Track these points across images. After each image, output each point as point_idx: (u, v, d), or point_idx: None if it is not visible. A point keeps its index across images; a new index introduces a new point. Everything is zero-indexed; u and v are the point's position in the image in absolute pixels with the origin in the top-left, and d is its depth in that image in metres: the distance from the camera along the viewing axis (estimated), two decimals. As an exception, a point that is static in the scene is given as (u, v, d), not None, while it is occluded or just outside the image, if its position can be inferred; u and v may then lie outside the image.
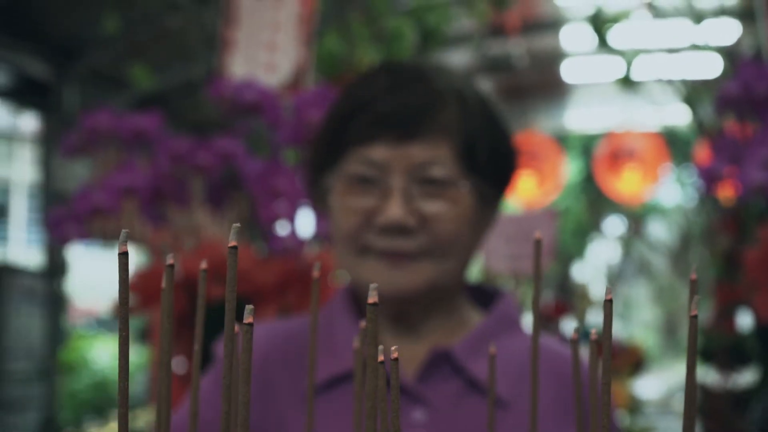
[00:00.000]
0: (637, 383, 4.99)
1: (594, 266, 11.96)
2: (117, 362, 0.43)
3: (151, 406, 2.70)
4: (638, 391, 5.09)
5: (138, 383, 5.53)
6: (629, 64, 2.66)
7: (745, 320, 2.17)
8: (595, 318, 5.34)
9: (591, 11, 2.65)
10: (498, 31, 5.28)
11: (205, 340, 0.65)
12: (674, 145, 7.43)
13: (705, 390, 2.23)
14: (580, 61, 6.63)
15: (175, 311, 1.57)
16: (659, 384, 8.19)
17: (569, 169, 8.68)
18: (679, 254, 10.58)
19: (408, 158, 1.04)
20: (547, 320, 4.34)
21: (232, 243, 0.39)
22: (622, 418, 4.22)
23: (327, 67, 2.74)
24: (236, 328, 0.45)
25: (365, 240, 1.05)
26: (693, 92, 2.45)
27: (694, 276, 0.48)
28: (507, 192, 1.15)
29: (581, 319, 4.72)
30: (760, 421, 1.88)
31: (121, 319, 0.41)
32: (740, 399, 2.17)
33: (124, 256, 0.39)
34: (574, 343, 0.58)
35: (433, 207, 1.04)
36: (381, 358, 0.39)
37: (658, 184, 6.77)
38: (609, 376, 0.46)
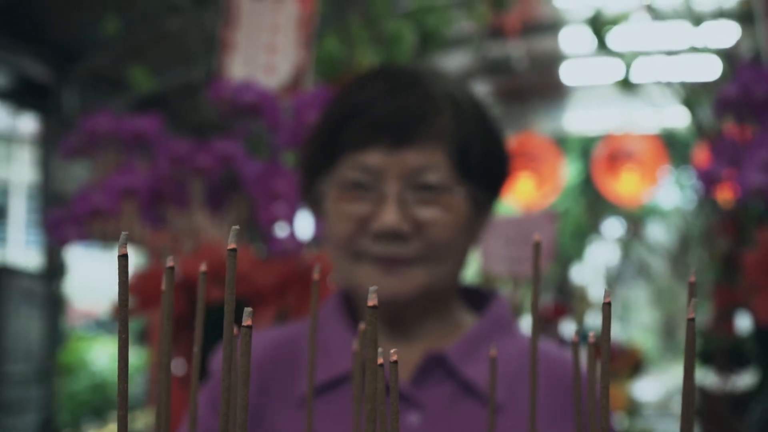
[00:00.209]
0: (636, 385, 4.99)
1: (593, 268, 11.95)
2: (116, 364, 0.43)
3: (150, 408, 2.70)
4: (637, 393, 5.09)
5: (137, 385, 5.53)
6: (628, 66, 2.66)
7: (743, 323, 2.17)
8: (594, 320, 5.34)
9: (590, 13, 2.65)
10: (497, 33, 5.28)
11: (205, 343, 0.65)
12: (673, 147, 7.43)
13: (703, 392, 2.23)
14: (579, 63, 6.63)
15: (173, 313, 1.56)
16: (658, 386, 8.18)
17: (568, 171, 8.68)
18: (678, 257, 10.58)
19: (403, 164, 1.04)
20: (546, 322, 4.35)
21: (232, 245, 0.39)
22: (621, 420, 4.22)
23: (326, 69, 2.74)
24: (235, 330, 0.45)
25: (360, 246, 1.05)
26: (692, 95, 2.46)
27: (692, 279, 0.49)
28: (500, 197, 1.15)
29: (580, 321, 4.72)
30: (758, 423, 1.88)
31: (120, 321, 0.41)
32: (739, 401, 2.17)
33: (123, 259, 0.39)
34: (575, 345, 0.58)
35: (427, 213, 1.04)
36: (380, 360, 0.39)
37: (656, 187, 6.77)
38: (608, 379, 0.46)
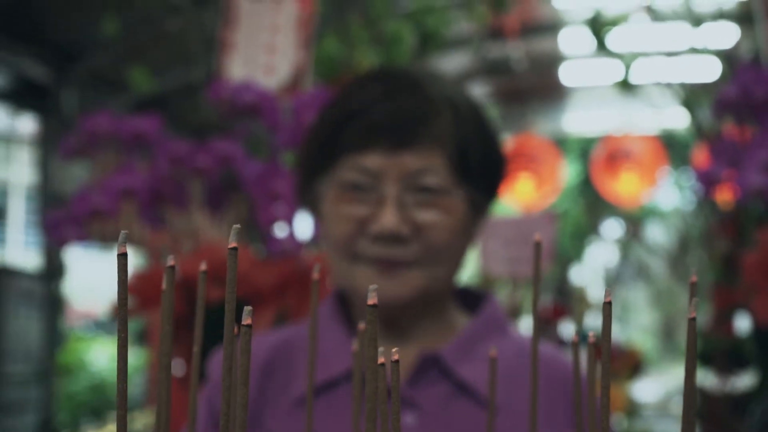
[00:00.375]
0: (636, 386, 4.99)
1: (592, 269, 11.96)
2: (115, 364, 0.42)
3: (149, 408, 2.70)
4: (636, 395, 5.09)
5: (136, 385, 5.52)
6: (628, 67, 2.66)
7: (743, 323, 2.17)
8: (593, 321, 5.35)
9: (590, 14, 2.65)
10: (497, 34, 5.28)
11: (204, 343, 0.65)
12: (673, 148, 7.43)
13: (703, 393, 2.23)
14: (578, 64, 6.63)
15: (173, 314, 1.56)
16: (657, 387, 8.19)
17: (567, 172, 8.68)
18: (678, 258, 10.57)
19: (402, 166, 1.04)
20: (545, 323, 4.35)
21: (233, 244, 0.39)
22: (620, 421, 4.23)
23: (326, 70, 2.74)
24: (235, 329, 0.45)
25: (358, 247, 1.05)
26: (691, 96, 2.46)
27: (694, 278, 0.48)
28: (497, 199, 1.16)
29: (579, 322, 4.72)
30: (758, 424, 1.88)
31: (119, 320, 0.40)
32: (739, 402, 2.17)
33: (123, 257, 0.39)
34: (575, 346, 0.58)
35: (426, 216, 1.05)
36: (381, 360, 0.39)
37: (656, 188, 6.76)
38: (608, 379, 0.46)
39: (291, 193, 1.96)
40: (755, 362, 2.04)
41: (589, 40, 2.69)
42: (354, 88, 1.11)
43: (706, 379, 2.36)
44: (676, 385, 8.23)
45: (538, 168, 6.30)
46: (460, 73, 6.27)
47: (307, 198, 1.14)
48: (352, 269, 1.06)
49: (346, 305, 1.14)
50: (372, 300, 0.40)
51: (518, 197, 6.40)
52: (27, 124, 6.13)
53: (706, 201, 2.47)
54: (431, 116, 1.06)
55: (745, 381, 2.22)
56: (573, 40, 5.98)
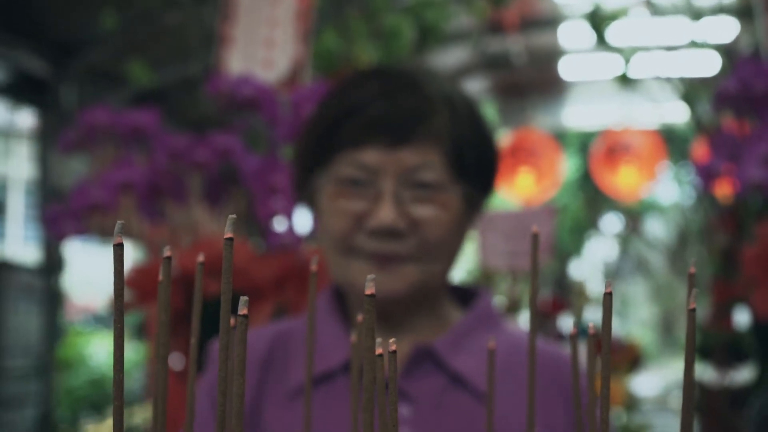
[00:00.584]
0: (635, 380, 5.00)
1: (591, 264, 11.97)
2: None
3: (148, 402, 2.70)
4: (635, 389, 5.10)
5: (135, 380, 5.53)
6: (627, 61, 2.66)
7: (742, 317, 2.18)
8: (592, 315, 5.35)
9: (589, 9, 2.65)
10: (496, 28, 5.28)
11: (202, 335, 0.64)
12: (672, 142, 7.43)
13: (702, 387, 2.24)
14: (578, 59, 6.63)
15: (172, 307, 1.56)
16: (656, 381, 8.20)
17: (567, 166, 8.68)
18: (677, 252, 10.58)
19: (399, 162, 1.05)
20: (544, 317, 4.35)
21: (228, 235, 0.39)
22: (619, 415, 4.23)
23: (324, 64, 2.74)
24: (232, 321, 0.45)
25: (354, 242, 1.06)
26: (691, 90, 2.45)
27: (692, 270, 0.48)
28: (491, 196, 1.18)
29: (578, 315, 4.72)
30: (757, 418, 1.88)
31: (116, 311, 0.40)
32: (737, 396, 2.17)
33: (119, 248, 0.39)
34: (573, 338, 0.58)
35: (423, 211, 1.06)
36: (379, 351, 0.39)
37: (655, 182, 6.77)
38: (608, 371, 0.46)
39: (290, 187, 1.96)
40: (754, 356, 2.04)
41: (589, 35, 2.69)
42: (351, 86, 1.12)
43: (706, 373, 2.37)
44: (675, 379, 8.25)
45: (537, 162, 6.30)
46: (460, 67, 6.27)
47: (304, 193, 1.15)
48: (349, 264, 1.07)
49: (343, 300, 1.15)
50: (370, 290, 0.40)
51: (518, 191, 6.40)
52: (26, 118, 6.13)
53: (705, 195, 2.47)
54: (428, 114, 1.07)
55: (744, 375, 2.22)
56: (572, 35, 5.98)
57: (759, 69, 1.93)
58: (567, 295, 6.84)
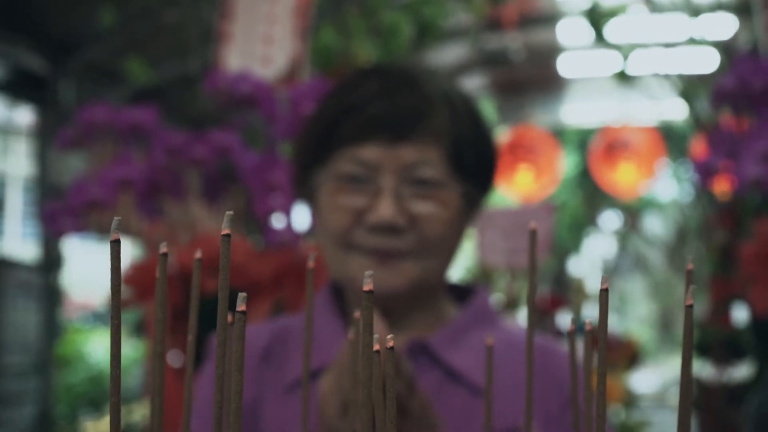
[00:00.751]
0: (633, 377, 5.00)
1: (590, 260, 11.97)
2: (111, 352, 0.42)
3: (147, 400, 2.70)
4: (634, 385, 5.10)
5: (134, 377, 5.53)
6: (626, 58, 2.65)
7: (740, 314, 2.18)
8: (590, 312, 5.35)
9: (587, 5, 2.65)
10: (495, 25, 5.28)
11: (200, 332, 0.65)
12: (671, 139, 7.42)
13: (700, 384, 2.24)
14: (576, 56, 6.62)
15: (170, 305, 1.56)
16: (654, 378, 8.21)
17: (565, 164, 8.67)
18: (675, 249, 10.58)
19: (399, 159, 1.06)
20: (542, 314, 4.35)
21: (225, 231, 0.39)
22: (618, 412, 4.23)
23: (323, 61, 2.74)
24: (229, 317, 0.45)
25: (354, 238, 1.07)
26: (689, 87, 2.46)
27: (690, 266, 0.48)
28: (490, 193, 1.18)
29: (577, 312, 4.72)
30: (755, 414, 1.88)
31: (113, 307, 0.40)
32: (735, 393, 2.18)
33: (116, 244, 0.39)
34: (571, 335, 0.58)
35: (422, 207, 1.07)
36: (376, 346, 0.39)
37: (654, 179, 6.76)
38: (604, 367, 0.46)
39: (288, 184, 1.96)
40: (752, 353, 2.04)
41: (588, 31, 2.69)
42: (351, 84, 1.13)
43: (704, 369, 2.37)
44: (674, 376, 8.25)
45: (536, 159, 6.30)
46: (458, 64, 6.26)
47: (303, 189, 1.15)
48: (348, 259, 1.08)
49: (341, 296, 1.15)
50: (368, 286, 0.40)
51: (517, 188, 6.40)
52: (24, 115, 6.12)
53: (704, 192, 2.47)
54: (428, 111, 1.08)
55: (742, 372, 2.22)
56: (571, 31, 5.97)
57: (757, 66, 1.93)
58: (565, 292, 6.84)
